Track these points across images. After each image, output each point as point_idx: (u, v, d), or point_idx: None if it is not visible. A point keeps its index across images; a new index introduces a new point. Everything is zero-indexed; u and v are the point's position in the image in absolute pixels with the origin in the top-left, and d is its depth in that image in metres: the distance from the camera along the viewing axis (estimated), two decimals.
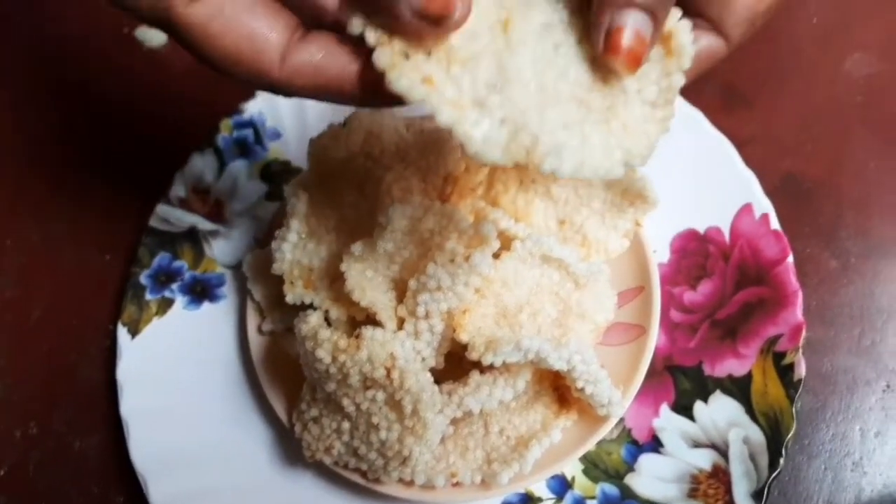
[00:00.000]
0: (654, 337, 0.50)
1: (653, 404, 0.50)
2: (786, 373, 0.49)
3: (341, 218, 0.49)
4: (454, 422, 0.46)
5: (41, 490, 0.52)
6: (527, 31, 0.32)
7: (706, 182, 0.55)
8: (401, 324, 0.46)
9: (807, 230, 0.56)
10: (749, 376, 0.49)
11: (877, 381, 0.51)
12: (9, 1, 0.70)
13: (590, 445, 0.48)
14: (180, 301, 0.56)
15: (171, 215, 0.58)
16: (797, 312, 0.50)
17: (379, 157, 0.50)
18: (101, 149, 0.64)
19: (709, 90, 0.61)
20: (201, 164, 0.60)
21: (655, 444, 0.49)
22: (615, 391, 0.46)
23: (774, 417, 0.48)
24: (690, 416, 0.49)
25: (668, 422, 0.50)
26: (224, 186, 0.60)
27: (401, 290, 0.46)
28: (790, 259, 0.52)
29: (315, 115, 0.60)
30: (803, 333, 0.49)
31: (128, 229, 0.60)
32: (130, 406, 0.52)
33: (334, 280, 0.49)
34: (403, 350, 0.43)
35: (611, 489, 0.48)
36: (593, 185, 0.50)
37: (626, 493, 0.48)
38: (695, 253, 0.54)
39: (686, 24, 0.33)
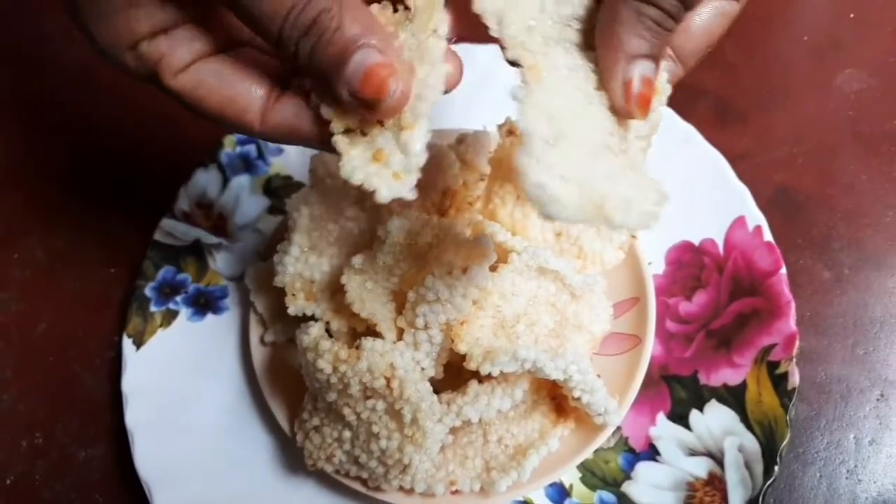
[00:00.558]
0: (650, 347, 0.51)
1: (649, 413, 0.51)
2: (780, 382, 0.49)
3: (342, 231, 0.50)
4: (453, 431, 0.47)
5: (46, 500, 0.53)
6: (555, 77, 0.32)
7: (700, 195, 0.56)
8: (400, 335, 0.46)
9: (800, 242, 0.57)
10: (744, 385, 0.50)
11: (871, 390, 0.52)
12: (14, 28, 0.71)
13: (587, 454, 0.48)
14: (184, 313, 0.57)
15: (176, 229, 0.59)
16: (791, 323, 0.51)
17: None
18: (107, 165, 0.65)
19: (702, 106, 0.63)
20: (205, 180, 0.61)
21: (652, 453, 0.50)
22: (612, 400, 0.47)
23: (769, 426, 0.48)
24: (686, 425, 0.50)
25: (664, 430, 0.50)
26: (227, 201, 0.61)
27: (400, 302, 0.47)
28: (783, 270, 0.52)
29: None
30: (797, 343, 0.50)
31: (133, 243, 0.61)
32: (135, 416, 0.52)
33: (335, 292, 0.50)
34: (403, 360, 0.44)
35: (608, 497, 0.49)
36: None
37: (624, 501, 0.49)
38: (689, 264, 0.55)
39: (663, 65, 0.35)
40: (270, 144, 0.62)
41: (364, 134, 0.33)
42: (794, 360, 0.50)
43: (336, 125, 0.34)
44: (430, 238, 0.45)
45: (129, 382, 0.54)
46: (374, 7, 0.35)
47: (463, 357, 0.45)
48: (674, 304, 0.54)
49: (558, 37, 0.34)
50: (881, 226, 0.57)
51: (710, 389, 0.51)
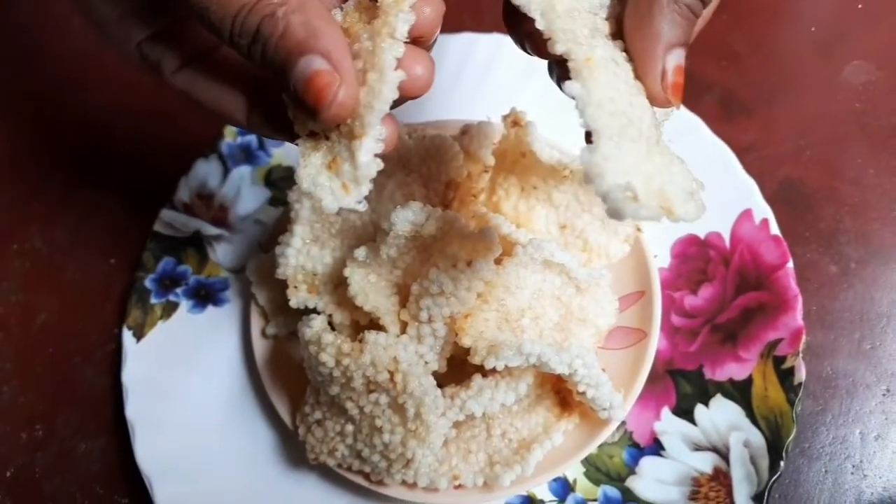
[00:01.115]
0: (655, 341, 0.50)
1: (654, 408, 0.50)
2: (786, 377, 0.49)
3: (344, 223, 0.50)
4: (457, 425, 0.47)
5: (47, 492, 0.53)
6: (606, 71, 0.30)
7: (707, 188, 0.55)
8: (404, 328, 0.46)
9: (806, 235, 0.56)
10: (749, 380, 0.50)
11: (877, 385, 0.52)
12: (15, 19, 0.71)
13: (591, 448, 0.48)
14: (185, 305, 0.56)
15: (176, 220, 0.59)
16: (797, 317, 0.50)
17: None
18: (107, 156, 0.65)
19: (709, 98, 0.62)
20: (206, 170, 0.60)
21: (657, 447, 0.49)
22: (616, 395, 0.46)
23: (775, 421, 0.48)
24: (691, 420, 0.50)
25: (669, 425, 0.50)
26: (228, 192, 0.60)
27: (404, 295, 0.47)
28: (790, 264, 0.52)
29: None
30: (803, 338, 0.50)
31: (132, 234, 0.60)
32: (136, 409, 0.52)
33: (338, 285, 0.49)
34: (406, 354, 0.44)
35: (612, 492, 0.49)
36: (594, 191, 0.51)
37: (628, 496, 0.48)
38: (695, 258, 0.54)
39: None
40: None
41: (327, 138, 0.32)
42: (801, 354, 0.49)
43: (299, 128, 0.33)
44: (434, 230, 0.44)
45: (129, 375, 0.53)
46: (350, 2, 0.34)
47: (467, 351, 0.45)
48: (679, 297, 0.53)
49: (593, 27, 0.32)
50: (888, 219, 0.57)
51: (716, 384, 0.50)
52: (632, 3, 0.33)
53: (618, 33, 0.34)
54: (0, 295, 0.60)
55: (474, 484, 0.47)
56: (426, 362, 0.45)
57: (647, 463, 0.49)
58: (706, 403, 0.50)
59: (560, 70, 0.31)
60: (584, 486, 0.49)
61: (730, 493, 0.47)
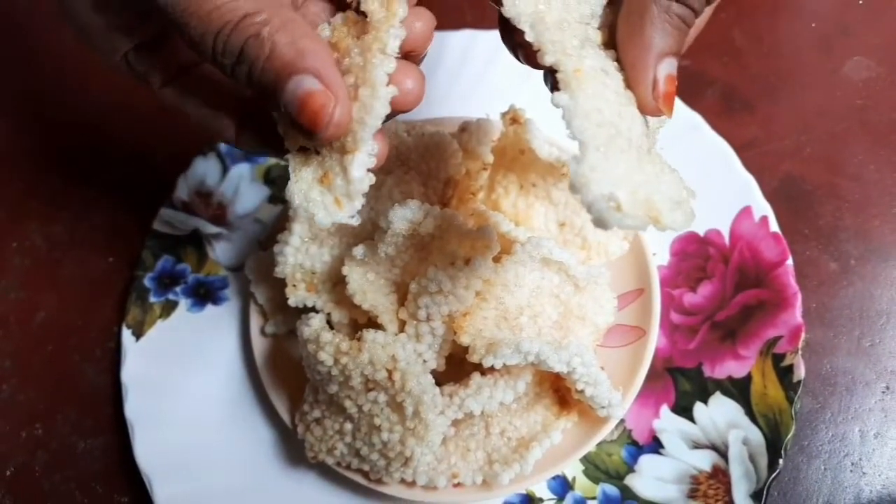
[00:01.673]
0: (654, 339, 0.50)
1: (653, 406, 0.50)
2: (785, 374, 0.49)
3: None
4: (455, 423, 0.47)
5: (46, 490, 0.53)
6: (595, 81, 0.30)
7: (706, 185, 0.55)
8: (402, 326, 0.46)
9: (806, 232, 0.56)
10: (749, 378, 0.50)
11: (876, 383, 0.52)
12: (13, 15, 0.71)
13: (590, 446, 0.48)
14: (184, 303, 0.56)
15: (175, 219, 0.59)
16: (796, 314, 0.50)
17: None
18: (106, 153, 0.65)
19: (709, 95, 0.62)
20: (204, 168, 0.60)
21: (656, 445, 0.49)
22: (615, 393, 0.46)
23: (774, 419, 0.48)
24: (690, 418, 0.50)
25: (668, 423, 0.50)
26: (227, 190, 0.60)
27: (402, 293, 0.47)
28: (789, 261, 0.52)
29: None
30: (803, 335, 0.50)
31: (131, 233, 0.60)
32: (135, 407, 0.52)
33: (336, 283, 0.49)
34: (405, 352, 0.44)
35: (611, 490, 0.49)
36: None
37: (627, 494, 0.48)
38: (695, 255, 0.54)
39: None
40: None
41: (317, 152, 0.32)
42: (800, 352, 0.49)
43: (290, 144, 0.33)
44: (432, 229, 0.44)
45: (128, 373, 0.53)
46: (338, 17, 0.34)
47: (465, 349, 0.45)
48: (678, 295, 0.53)
49: (583, 37, 0.33)
50: (889, 216, 0.57)
51: (715, 382, 0.50)
52: (624, 13, 0.33)
53: (610, 42, 0.34)
54: None
55: (473, 482, 0.47)
56: (424, 361, 0.45)
57: (646, 461, 0.49)
58: (705, 401, 0.50)
59: (553, 80, 0.31)
60: (583, 485, 0.49)
61: (729, 491, 0.47)
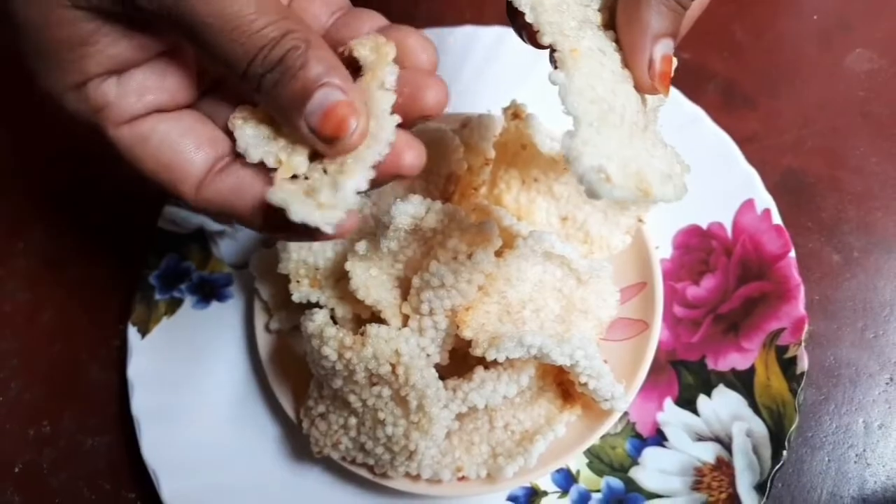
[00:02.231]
0: (657, 332, 0.50)
1: (656, 398, 0.51)
2: (788, 366, 0.49)
3: None
4: (459, 417, 0.47)
5: (54, 487, 0.53)
6: (591, 60, 0.32)
7: (708, 178, 0.55)
8: (405, 321, 0.46)
9: (809, 225, 0.56)
10: (752, 370, 0.50)
11: (880, 374, 0.52)
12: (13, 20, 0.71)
13: (594, 439, 0.48)
14: (189, 301, 0.57)
15: (178, 216, 0.59)
16: (799, 306, 0.50)
17: None
18: (110, 153, 0.65)
19: (711, 89, 0.62)
20: None
21: (659, 438, 0.50)
22: (618, 386, 0.47)
23: (777, 410, 0.48)
24: (694, 410, 0.50)
25: (671, 416, 0.50)
26: None
27: (405, 288, 0.47)
28: (792, 254, 0.52)
29: None
30: (805, 327, 0.50)
31: (136, 231, 0.60)
32: (141, 404, 0.52)
33: (339, 278, 0.49)
34: (408, 347, 0.44)
35: (615, 482, 0.49)
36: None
37: (631, 487, 0.48)
38: (697, 248, 0.54)
39: None
40: None
41: (307, 178, 0.33)
42: (803, 344, 0.49)
43: (283, 170, 0.32)
44: (434, 223, 0.44)
45: (134, 371, 0.54)
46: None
47: (468, 343, 0.45)
48: (681, 288, 0.53)
49: (583, 18, 0.34)
50: (891, 208, 0.57)
51: (718, 374, 0.50)
52: None
53: (610, 23, 0.35)
54: (6, 293, 0.60)
55: (477, 475, 0.47)
56: (428, 355, 0.45)
57: (650, 453, 0.49)
58: (709, 394, 0.50)
59: (554, 60, 0.33)
60: (587, 477, 0.49)
61: (732, 483, 0.47)
